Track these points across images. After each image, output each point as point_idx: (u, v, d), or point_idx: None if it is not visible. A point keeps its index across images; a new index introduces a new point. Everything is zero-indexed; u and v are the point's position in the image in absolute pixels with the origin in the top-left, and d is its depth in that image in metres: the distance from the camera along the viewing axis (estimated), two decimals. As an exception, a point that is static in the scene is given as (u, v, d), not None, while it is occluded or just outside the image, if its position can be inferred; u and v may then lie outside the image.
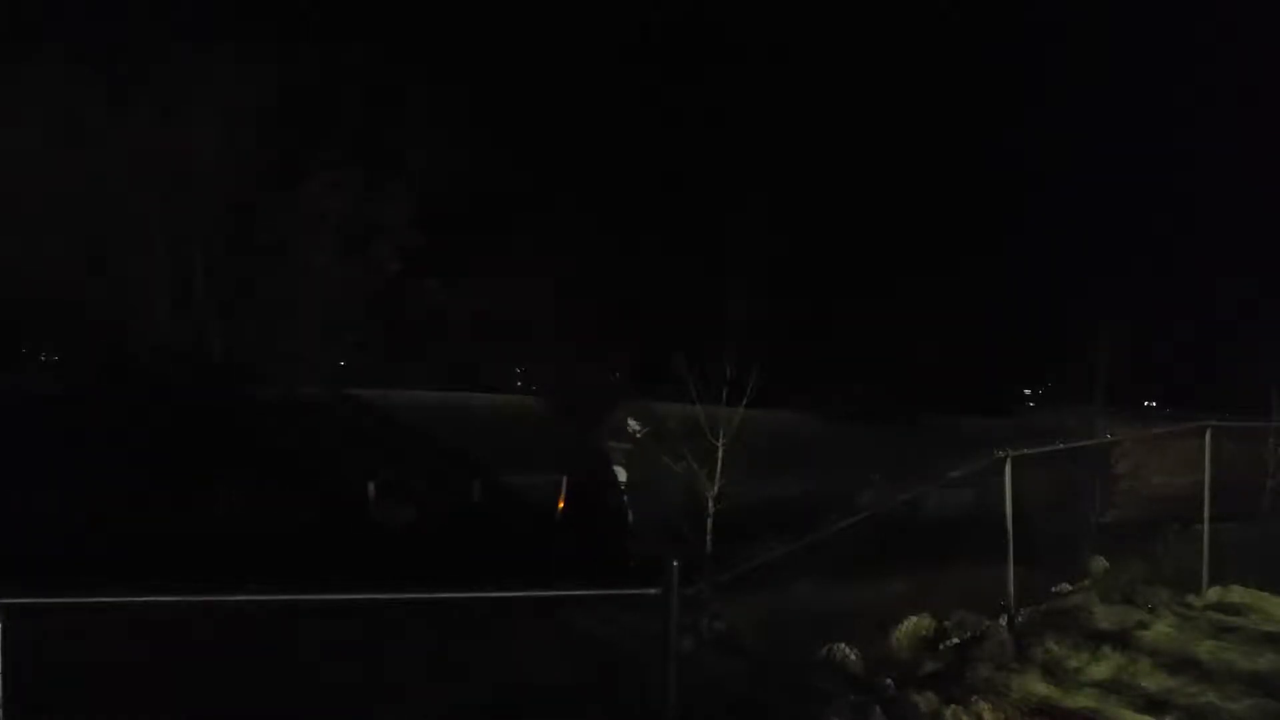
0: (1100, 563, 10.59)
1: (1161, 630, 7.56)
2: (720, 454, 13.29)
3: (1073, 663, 6.86)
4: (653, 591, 4.48)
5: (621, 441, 17.05)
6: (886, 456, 16.73)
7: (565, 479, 15.77)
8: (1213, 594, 8.42)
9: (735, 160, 33.10)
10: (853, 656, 7.51)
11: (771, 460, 16.15)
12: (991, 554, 8.28)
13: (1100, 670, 6.73)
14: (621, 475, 17.06)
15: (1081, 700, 6.19)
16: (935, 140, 39.73)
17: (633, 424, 16.86)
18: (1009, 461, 8.29)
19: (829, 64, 40.08)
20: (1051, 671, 6.70)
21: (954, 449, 17.52)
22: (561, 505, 15.43)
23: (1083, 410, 21.35)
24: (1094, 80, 50.05)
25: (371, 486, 15.45)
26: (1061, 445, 17.28)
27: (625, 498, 16.76)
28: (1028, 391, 31.81)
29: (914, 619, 8.30)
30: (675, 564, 4.50)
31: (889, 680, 6.67)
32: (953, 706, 6.00)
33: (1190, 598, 8.35)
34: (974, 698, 6.10)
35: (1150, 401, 27.22)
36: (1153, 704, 6.06)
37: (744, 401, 14.17)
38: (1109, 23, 46.91)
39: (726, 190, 29.83)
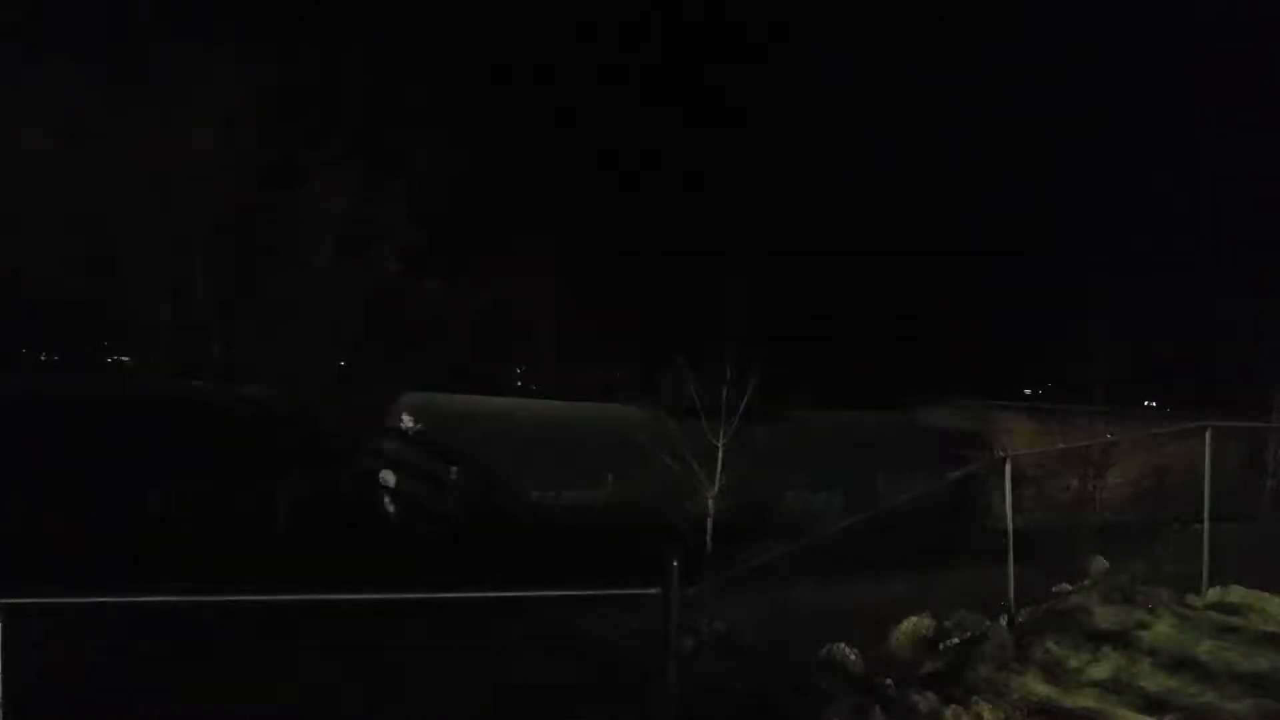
0: (1100, 563, 10.59)
1: (1161, 630, 7.54)
2: (720, 454, 13.21)
3: (1073, 663, 6.85)
4: (653, 591, 4.47)
5: (394, 440, 15.39)
6: (738, 454, 15.15)
7: (280, 485, 13.90)
8: (1213, 594, 8.40)
9: (735, 160, 33.14)
10: (853, 656, 7.52)
11: (602, 459, 15.00)
12: (992, 554, 8.28)
13: (1100, 670, 6.72)
14: (390, 479, 15.33)
15: (1081, 700, 6.18)
16: (932, 140, 39.79)
17: (407, 420, 15.29)
18: (1008, 461, 8.30)
19: (828, 65, 40.12)
20: (1051, 671, 6.70)
21: (813, 444, 16.46)
22: (284, 512, 13.74)
23: (976, 406, 21.07)
24: (1095, 80, 50.06)
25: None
26: (1061, 446, 17.29)
27: (389, 502, 15.04)
28: (1028, 391, 31.80)
29: (914, 619, 8.30)
30: (675, 564, 4.48)
31: (889, 680, 6.67)
32: (953, 706, 6.00)
33: (1190, 598, 8.34)
34: (974, 698, 6.10)
35: (1150, 401, 27.19)
36: (1153, 704, 6.05)
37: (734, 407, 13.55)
38: (1111, 23, 46.94)
39: (726, 190, 29.87)
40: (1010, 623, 7.68)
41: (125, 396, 14.56)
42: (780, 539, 8.99)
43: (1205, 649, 7.06)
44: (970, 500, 15.54)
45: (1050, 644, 7.10)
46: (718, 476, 12.92)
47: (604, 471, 14.37)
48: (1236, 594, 8.42)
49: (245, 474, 14.05)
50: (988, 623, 7.80)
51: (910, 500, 9.95)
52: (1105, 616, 7.84)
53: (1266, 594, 8.33)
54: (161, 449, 13.50)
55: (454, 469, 14.12)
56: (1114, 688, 6.37)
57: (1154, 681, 6.47)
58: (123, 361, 24.69)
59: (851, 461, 16.05)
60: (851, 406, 20.95)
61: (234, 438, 14.44)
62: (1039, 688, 6.39)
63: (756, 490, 14.65)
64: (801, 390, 20.73)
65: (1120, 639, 7.25)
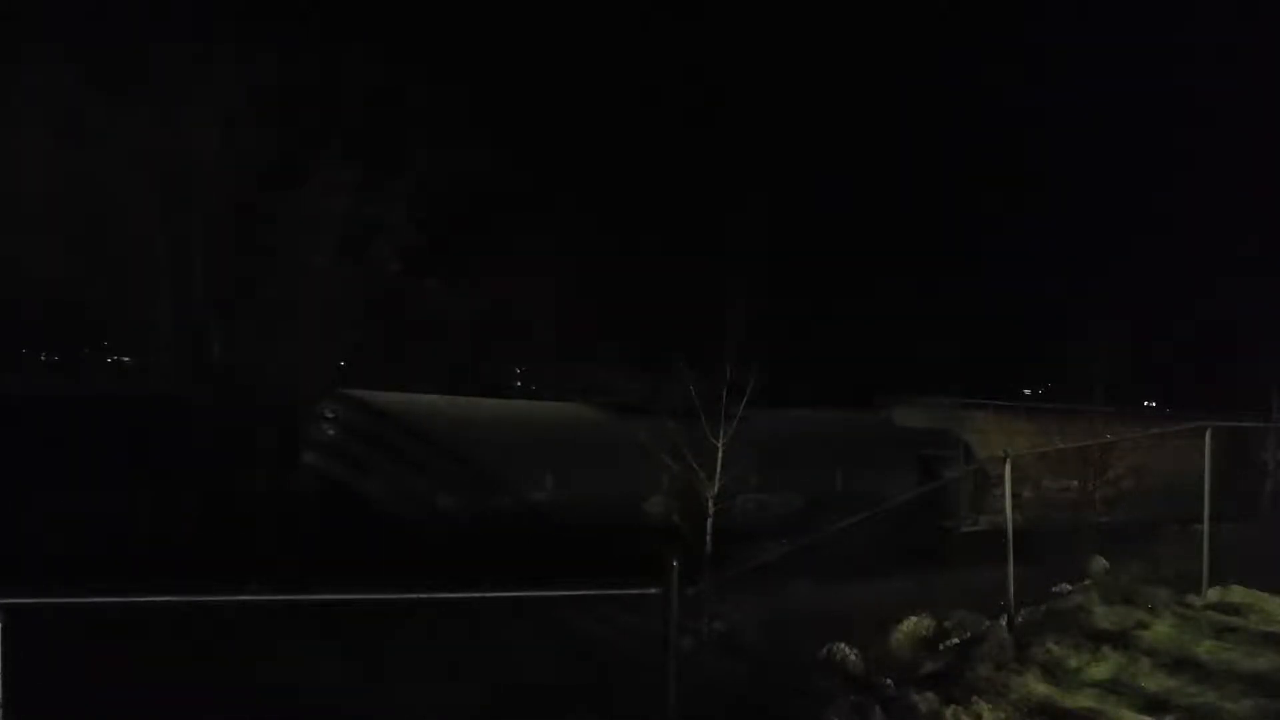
0: (1100, 563, 10.60)
1: (1161, 630, 7.55)
2: (720, 454, 13.15)
3: (1073, 663, 6.85)
4: (653, 591, 4.46)
5: (322, 437, 14.92)
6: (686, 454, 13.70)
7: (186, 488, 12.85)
8: (1213, 594, 8.41)
9: (735, 160, 33.16)
10: (853, 657, 7.52)
11: (544, 458, 14.15)
12: (992, 555, 8.29)
13: (1100, 670, 6.72)
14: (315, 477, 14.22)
15: (1081, 700, 6.18)
16: (929, 137, 39.83)
17: (329, 416, 14.90)
18: (1008, 461, 8.30)
19: (823, 64, 40.13)
20: (1051, 671, 6.70)
21: (771, 444, 14.63)
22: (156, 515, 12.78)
23: (953, 405, 20.44)
24: (1091, 75, 50.06)
25: None
26: (1061, 445, 17.25)
27: (313, 501, 13.90)
28: (1027, 391, 31.80)
29: (914, 619, 8.31)
30: (675, 564, 4.48)
31: (889, 680, 6.68)
32: (953, 706, 6.00)
33: (1190, 598, 8.34)
34: (974, 698, 6.10)
35: (1150, 401, 27.19)
36: (1153, 704, 6.05)
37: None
38: (1109, 19, 46.92)
39: (725, 190, 29.86)
40: (1010, 623, 7.68)
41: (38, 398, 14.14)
42: (739, 544, 8.90)
43: (1205, 649, 7.06)
44: (941, 501, 15.25)
45: (1050, 644, 7.10)
46: (717, 477, 12.85)
47: (546, 470, 13.62)
48: (1236, 594, 8.43)
49: (146, 476, 13.56)
50: (988, 623, 7.81)
51: (903, 501, 9.89)
52: (1105, 616, 7.85)
53: (1266, 594, 8.34)
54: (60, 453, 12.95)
55: (386, 466, 13.50)
56: (1114, 688, 6.38)
57: (1154, 681, 6.47)
58: (123, 361, 24.69)
59: (811, 462, 15.19)
60: (848, 407, 20.51)
61: (144, 439, 13.99)
62: (1039, 688, 6.39)
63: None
64: (801, 389, 20.68)
65: (1120, 639, 7.26)
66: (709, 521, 12.41)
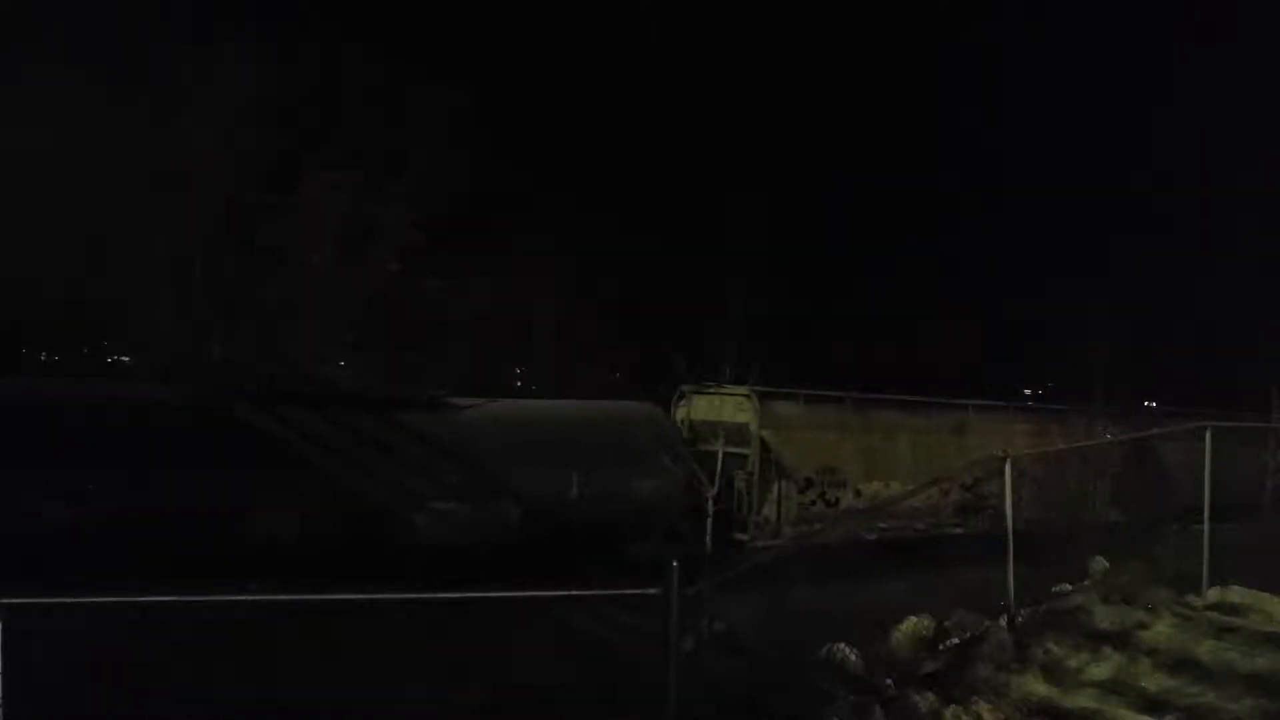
0: (1100, 563, 10.59)
1: (1161, 630, 7.56)
2: (720, 455, 13.16)
3: (1073, 663, 6.86)
4: (653, 591, 4.47)
5: None
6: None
7: None
8: (1213, 594, 8.41)
9: (734, 159, 33.19)
10: (853, 657, 7.52)
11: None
12: (993, 554, 8.28)
13: (1100, 670, 6.73)
14: None
15: (1081, 700, 6.19)
16: (926, 134, 39.88)
17: None
18: (1009, 462, 8.30)
19: (820, 61, 40.18)
20: (1051, 671, 6.70)
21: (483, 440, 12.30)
22: None
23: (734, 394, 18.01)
24: (1091, 75, 50.09)
25: None
26: (1062, 446, 17.18)
27: None
28: (1027, 391, 31.78)
29: (914, 619, 8.31)
30: (675, 564, 4.49)
31: (889, 680, 6.68)
32: (953, 706, 6.00)
33: (1190, 598, 8.35)
34: (974, 698, 6.10)
35: (1150, 401, 27.14)
36: (1153, 704, 6.06)
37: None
38: (1108, 17, 46.95)
39: (725, 188, 29.88)
40: (1010, 623, 7.68)
41: None
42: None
43: (1205, 649, 7.07)
44: (729, 510, 13.54)
45: (1050, 644, 7.10)
46: (717, 478, 12.86)
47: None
48: (1236, 594, 8.44)
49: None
50: (987, 623, 7.81)
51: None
52: (1105, 616, 7.85)
53: (1266, 594, 8.35)
54: None
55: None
56: (1114, 688, 6.38)
57: (1154, 681, 6.48)
58: (123, 361, 24.69)
59: (546, 461, 12.48)
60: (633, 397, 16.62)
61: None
62: (1039, 688, 6.40)
63: (367, 503, 11.26)
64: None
65: (1120, 639, 7.27)
66: (709, 521, 12.41)
